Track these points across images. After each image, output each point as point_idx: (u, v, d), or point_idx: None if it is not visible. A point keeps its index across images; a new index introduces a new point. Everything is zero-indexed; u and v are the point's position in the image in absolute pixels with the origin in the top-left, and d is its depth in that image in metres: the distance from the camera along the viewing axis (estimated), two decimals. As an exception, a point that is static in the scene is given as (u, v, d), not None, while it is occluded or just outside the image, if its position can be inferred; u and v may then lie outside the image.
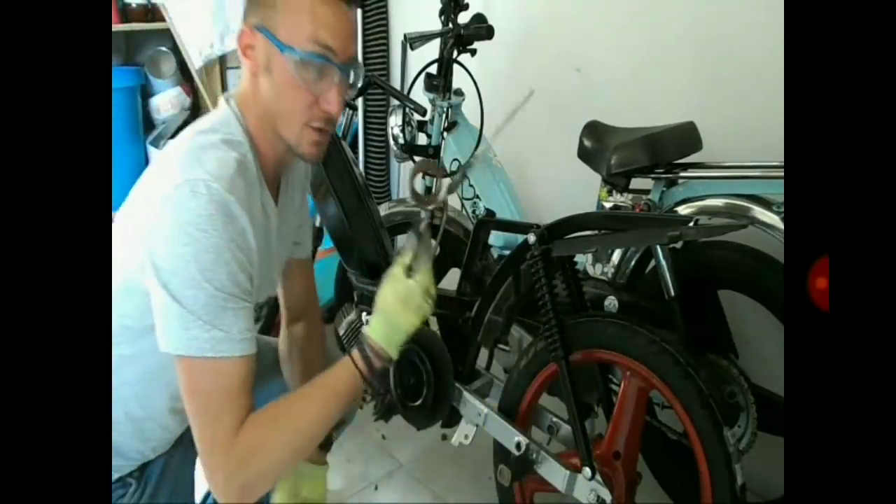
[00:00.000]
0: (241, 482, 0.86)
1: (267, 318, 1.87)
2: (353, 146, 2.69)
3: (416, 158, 1.83)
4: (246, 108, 0.95)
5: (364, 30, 2.61)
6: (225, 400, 0.86)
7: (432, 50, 1.80)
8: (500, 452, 1.33)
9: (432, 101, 1.79)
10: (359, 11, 2.57)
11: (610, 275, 1.61)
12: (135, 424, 1.05)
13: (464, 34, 1.72)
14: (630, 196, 1.55)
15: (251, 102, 0.95)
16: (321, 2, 0.89)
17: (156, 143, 2.61)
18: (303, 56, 0.88)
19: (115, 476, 1.08)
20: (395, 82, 2.61)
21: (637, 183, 1.55)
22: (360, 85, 0.98)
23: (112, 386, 0.90)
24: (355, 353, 0.95)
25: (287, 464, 0.93)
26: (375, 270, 1.64)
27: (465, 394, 1.38)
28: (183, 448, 1.16)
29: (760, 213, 1.34)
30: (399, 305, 0.95)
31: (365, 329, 0.97)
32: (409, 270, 0.96)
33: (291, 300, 1.28)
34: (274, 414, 0.90)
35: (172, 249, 0.82)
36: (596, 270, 1.63)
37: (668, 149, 1.48)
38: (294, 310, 1.28)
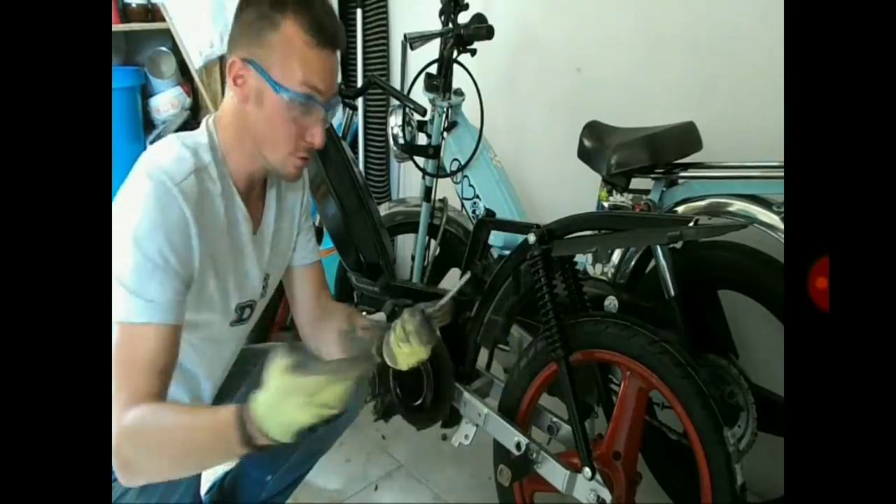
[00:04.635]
0: (123, 455, 0.87)
1: (263, 320, 1.87)
2: (353, 146, 2.68)
3: (416, 158, 1.83)
4: (223, 127, 1.04)
5: (364, 30, 2.60)
6: (129, 369, 0.89)
7: (432, 50, 1.80)
8: (500, 452, 1.33)
9: (432, 101, 1.79)
10: (359, 11, 2.58)
11: (610, 275, 1.61)
12: None
13: (464, 34, 1.71)
14: (630, 196, 1.55)
15: (230, 123, 1.03)
16: (312, 48, 0.98)
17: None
18: (294, 97, 0.98)
19: None
20: (395, 82, 2.60)
21: (637, 183, 1.55)
22: (335, 116, 1.07)
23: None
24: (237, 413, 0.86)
25: (161, 469, 0.92)
26: (375, 270, 1.64)
27: (465, 394, 1.38)
28: None
29: (760, 213, 1.34)
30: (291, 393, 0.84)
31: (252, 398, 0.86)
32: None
33: (305, 305, 1.29)
34: (161, 415, 0.91)
35: (116, 223, 0.92)
36: (596, 270, 1.63)
37: (668, 149, 1.48)
38: (309, 314, 1.28)
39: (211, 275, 1.02)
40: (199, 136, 1.03)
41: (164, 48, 2.57)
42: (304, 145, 1.03)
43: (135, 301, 0.90)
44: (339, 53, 1.04)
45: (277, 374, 0.83)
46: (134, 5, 2.50)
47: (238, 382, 1.24)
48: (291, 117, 1.00)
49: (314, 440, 1.34)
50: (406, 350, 1.13)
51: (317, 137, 1.02)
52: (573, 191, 1.75)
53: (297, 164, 1.04)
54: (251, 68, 0.98)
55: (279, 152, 1.03)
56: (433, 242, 1.96)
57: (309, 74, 0.98)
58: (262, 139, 1.02)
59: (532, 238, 1.24)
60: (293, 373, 0.82)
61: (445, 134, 1.81)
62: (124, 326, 0.91)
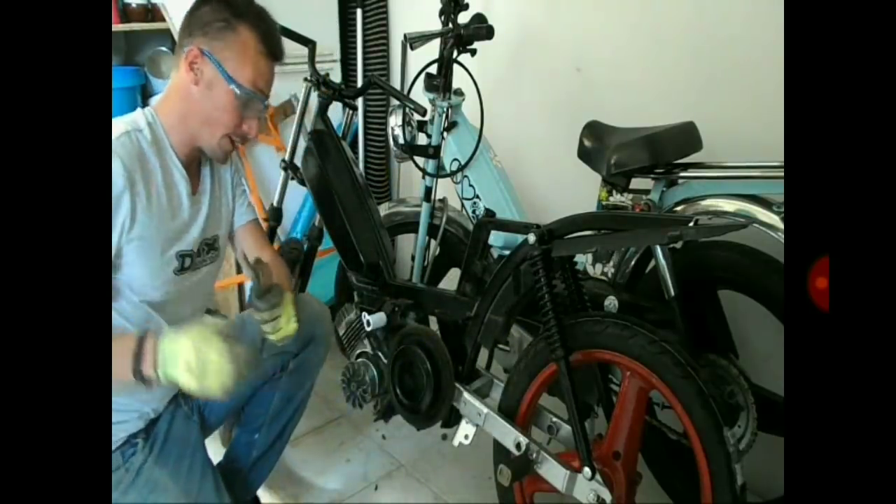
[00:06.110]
0: None
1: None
2: (353, 146, 2.68)
3: (416, 158, 1.83)
4: (165, 111, 1.18)
5: (364, 30, 2.60)
6: None
7: (432, 50, 1.80)
8: (500, 452, 1.34)
9: (432, 101, 1.79)
10: (359, 11, 2.58)
11: (610, 275, 1.61)
12: None
13: (464, 34, 1.71)
14: (630, 196, 1.55)
15: (175, 104, 1.17)
16: (262, 56, 1.17)
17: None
18: (241, 91, 1.15)
19: (123, 435, 1.20)
20: (395, 82, 2.60)
21: (637, 183, 1.55)
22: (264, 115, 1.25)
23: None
24: (137, 340, 1.01)
25: None
26: (375, 270, 1.65)
27: (465, 394, 1.38)
28: (180, 409, 1.31)
29: (760, 213, 1.34)
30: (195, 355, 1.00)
31: (163, 337, 1.02)
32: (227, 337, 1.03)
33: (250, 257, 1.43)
34: None
35: None
36: (596, 270, 1.63)
37: (668, 149, 1.48)
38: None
39: (154, 225, 1.13)
40: (133, 114, 1.17)
41: (164, 48, 2.58)
42: (239, 133, 1.20)
43: None
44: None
45: (199, 327, 1.01)
46: (134, 5, 2.50)
47: None
48: (234, 108, 1.16)
49: (289, 383, 1.46)
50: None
51: (252, 129, 1.20)
52: (573, 191, 1.75)
53: (228, 147, 1.21)
54: (207, 59, 1.13)
55: (216, 135, 1.18)
56: (433, 242, 1.96)
57: (256, 77, 1.16)
58: (204, 120, 1.17)
59: (532, 238, 1.24)
60: (212, 331, 1.00)
61: (445, 134, 1.81)
62: None
